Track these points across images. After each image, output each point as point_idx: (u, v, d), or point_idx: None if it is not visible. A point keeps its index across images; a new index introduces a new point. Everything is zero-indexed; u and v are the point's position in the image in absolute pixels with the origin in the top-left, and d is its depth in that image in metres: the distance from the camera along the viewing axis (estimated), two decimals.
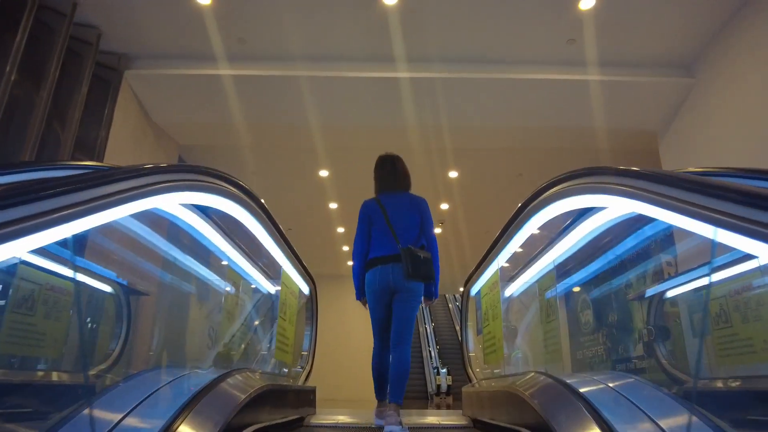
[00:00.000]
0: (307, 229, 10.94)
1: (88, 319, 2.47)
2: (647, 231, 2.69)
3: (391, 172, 3.12)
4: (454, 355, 18.42)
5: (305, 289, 4.02)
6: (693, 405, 1.66)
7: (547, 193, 2.14)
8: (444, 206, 9.61)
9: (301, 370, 4.03)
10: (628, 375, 2.47)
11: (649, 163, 7.44)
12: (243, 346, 2.90)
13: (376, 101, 5.95)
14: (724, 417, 1.52)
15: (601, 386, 2.07)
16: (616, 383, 2.09)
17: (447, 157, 7.63)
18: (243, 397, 1.98)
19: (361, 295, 2.96)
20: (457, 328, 20.91)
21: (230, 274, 2.64)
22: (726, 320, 2.88)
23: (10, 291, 2.07)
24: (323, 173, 8.21)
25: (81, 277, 2.26)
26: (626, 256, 2.80)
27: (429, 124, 6.30)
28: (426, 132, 6.50)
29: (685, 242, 2.69)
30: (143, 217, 2.28)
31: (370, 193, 3.35)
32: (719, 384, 2.63)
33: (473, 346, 4.27)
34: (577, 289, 3.00)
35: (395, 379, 2.66)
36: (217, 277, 2.66)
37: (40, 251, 2.03)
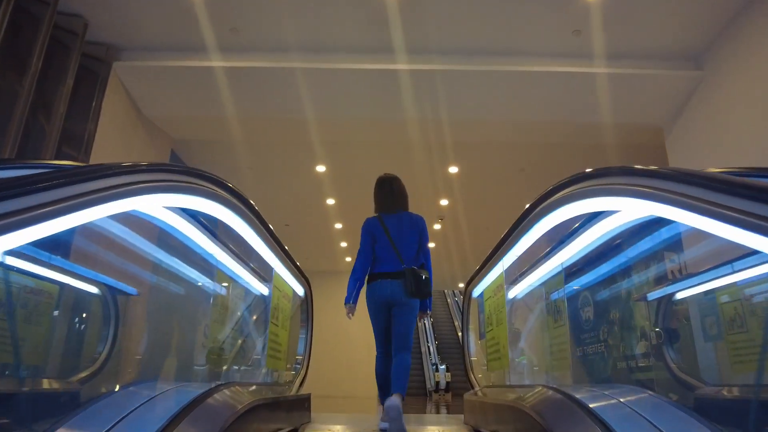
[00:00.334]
0: (304, 225, 10.77)
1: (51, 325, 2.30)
2: (665, 234, 2.52)
3: (389, 193, 3.30)
4: (453, 351, 18.33)
5: (300, 291, 3.85)
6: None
7: (561, 193, 1.96)
8: (444, 202, 9.44)
9: (295, 373, 3.85)
10: (642, 390, 2.31)
11: (655, 158, 7.27)
12: (232, 354, 2.74)
13: (374, 94, 5.76)
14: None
15: (613, 401, 1.93)
16: (629, 398, 1.94)
17: (447, 152, 7.44)
18: (230, 414, 1.82)
19: (350, 300, 3.12)
20: (456, 323, 20.81)
21: (218, 279, 2.46)
22: (741, 325, 2.74)
23: None
24: (320, 168, 8.02)
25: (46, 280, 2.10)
26: (643, 261, 2.64)
27: (429, 117, 6.10)
28: (426, 126, 6.31)
29: (704, 244, 2.53)
30: (121, 219, 2.14)
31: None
32: (734, 392, 2.49)
33: (475, 350, 4.10)
34: (588, 294, 2.83)
35: (397, 372, 2.89)
36: (204, 283, 2.49)
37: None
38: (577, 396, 1.97)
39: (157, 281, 2.47)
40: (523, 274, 2.90)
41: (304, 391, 3.90)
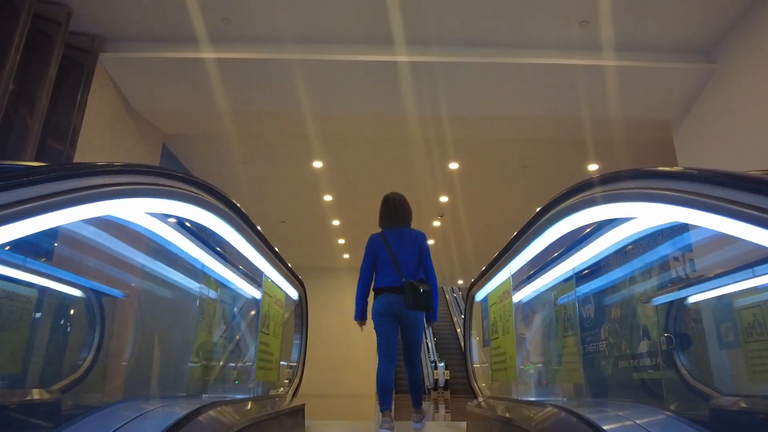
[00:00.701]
0: (301, 221, 10.58)
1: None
2: (686, 238, 2.33)
3: (393, 210, 3.51)
4: (452, 348, 18.18)
5: (294, 294, 3.65)
6: None
7: (578, 196, 1.75)
8: (443, 199, 9.24)
9: (289, 382, 3.66)
10: (660, 411, 2.13)
11: (664, 155, 7.07)
12: (219, 367, 2.54)
13: (372, 87, 5.54)
14: None
15: (629, 423, 1.77)
16: (646, 420, 1.78)
17: (447, 148, 7.23)
18: None
19: (359, 317, 3.46)
20: (455, 320, 20.65)
21: (203, 289, 2.26)
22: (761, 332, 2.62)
23: None
24: (317, 164, 7.80)
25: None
26: (661, 267, 2.44)
27: (429, 112, 5.89)
28: (425, 121, 6.10)
29: (726, 249, 2.35)
30: (96, 224, 1.97)
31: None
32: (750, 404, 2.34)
33: (478, 357, 3.91)
34: (601, 302, 2.64)
35: (412, 390, 3.36)
36: (187, 293, 2.29)
37: None
38: (592, 418, 1.79)
39: (133, 292, 2.27)
40: (532, 281, 2.70)
41: (299, 398, 3.71)
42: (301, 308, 3.79)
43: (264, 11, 4.81)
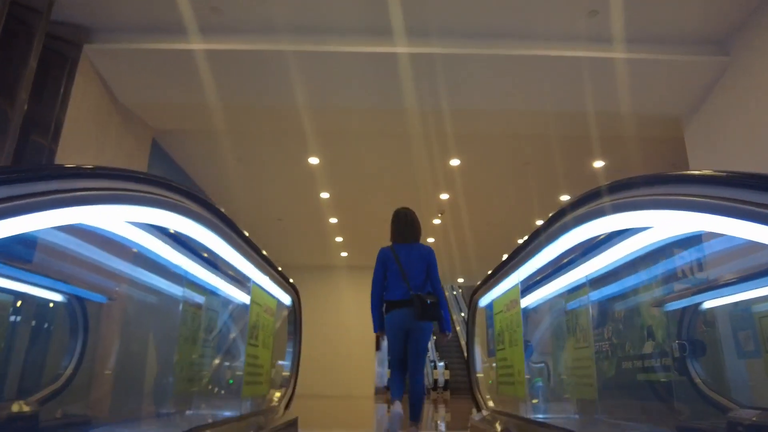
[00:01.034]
0: (298, 219, 10.36)
1: None
2: (711, 246, 2.11)
3: (404, 225, 3.74)
4: (451, 347, 18.00)
5: (286, 300, 3.43)
6: None
7: (599, 201, 1.53)
8: (444, 196, 9.01)
9: (282, 393, 3.44)
10: None
11: (673, 152, 6.86)
12: (202, 383, 2.32)
13: (371, 80, 5.30)
14: None
15: None
16: None
17: (448, 144, 7.00)
18: None
19: (378, 329, 3.52)
20: (455, 317, 20.48)
21: (186, 297, 2.04)
22: None
23: None
24: (313, 161, 7.57)
25: None
26: (683, 277, 2.22)
27: (429, 106, 5.65)
28: (426, 116, 5.86)
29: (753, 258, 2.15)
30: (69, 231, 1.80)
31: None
32: None
33: (482, 366, 3.69)
34: (616, 313, 2.42)
35: (413, 403, 3.38)
36: (166, 304, 2.07)
37: None
38: None
39: (110, 305, 2.06)
40: (544, 290, 2.48)
41: (294, 407, 3.50)
42: (294, 314, 3.57)
43: (256, 0, 4.57)
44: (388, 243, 3.76)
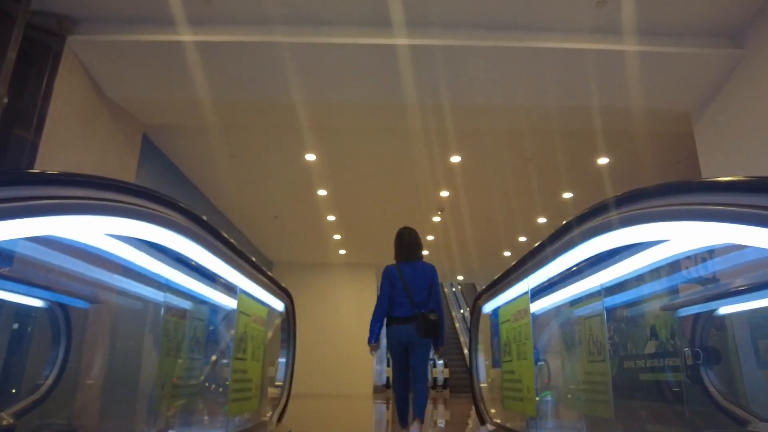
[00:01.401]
0: (295, 216, 10.16)
1: None
2: (742, 256, 1.93)
3: (407, 245, 3.96)
4: (450, 344, 17.83)
5: (279, 306, 3.23)
6: None
7: (632, 208, 1.33)
8: (444, 193, 8.81)
9: (275, 403, 3.24)
10: None
11: (680, 147, 6.67)
12: (185, 402, 2.12)
13: (369, 74, 5.09)
14: None
15: None
16: None
17: (449, 140, 6.80)
18: None
19: (372, 340, 3.67)
20: (454, 314, 20.34)
21: (162, 318, 1.85)
22: None
23: None
24: (310, 157, 7.36)
25: None
26: (710, 290, 2.03)
27: (430, 100, 5.44)
28: (426, 111, 5.65)
29: None
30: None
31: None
32: None
33: (485, 376, 3.50)
34: (636, 327, 2.23)
35: (417, 400, 3.52)
36: (143, 318, 1.88)
37: None
38: None
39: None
40: (556, 299, 2.28)
41: (288, 416, 3.31)
42: (288, 321, 3.38)
43: None
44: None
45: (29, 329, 2.29)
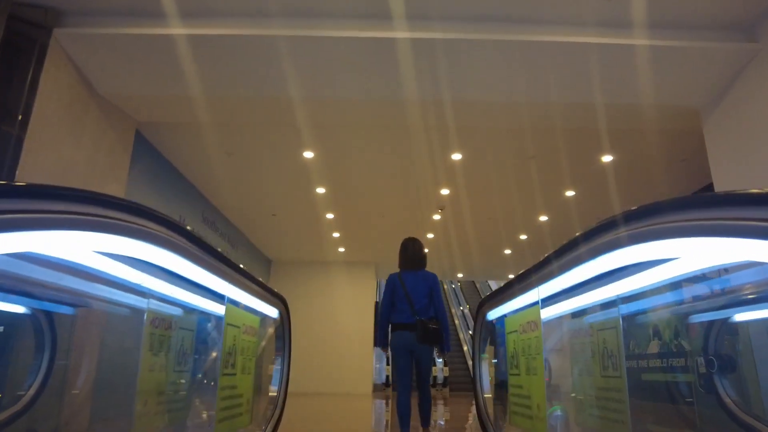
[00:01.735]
0: (292, 214, 10.00)
1: None
2: None
3: (411, 254, 4.11)
4: (450, 341, 17.71)
5: (273, 313, 3.07)
6: None
7: (670, 219, 1.16)
8: (444, 191, 8.64)
9: (268, 416, 3.09)
10: None
11: (688, 145, 6.52)
12: (166, 425, 1.97)
13: (368, 68, 4.91)
14: None
15: None
16: None
17: (450, 137, 6.63)
18: None
19: (380, 344, 3.99)
20: (454, 310, 20.24)
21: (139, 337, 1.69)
22: None
23: None
24: (308, 154, 7.19)
25: None
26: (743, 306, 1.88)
27: (430, 96, 5.26)
28: (427, 107, 5.48)
29: None
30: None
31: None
32: None
33: (490, 386, 3.34)
34: (662, 347, 2.07)
35: (422, 410, 3.80)
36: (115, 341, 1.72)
37: None
38: None
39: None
40: (572, 313, 2.12)
41: (283, 429, 3.15)
42: (282, 328, 3.22)
43: None
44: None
45: None
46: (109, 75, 4.95)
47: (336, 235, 11.43)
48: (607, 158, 7.30)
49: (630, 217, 1.33)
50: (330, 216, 10.03)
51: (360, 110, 5.66)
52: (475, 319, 3.52)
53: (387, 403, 10.75)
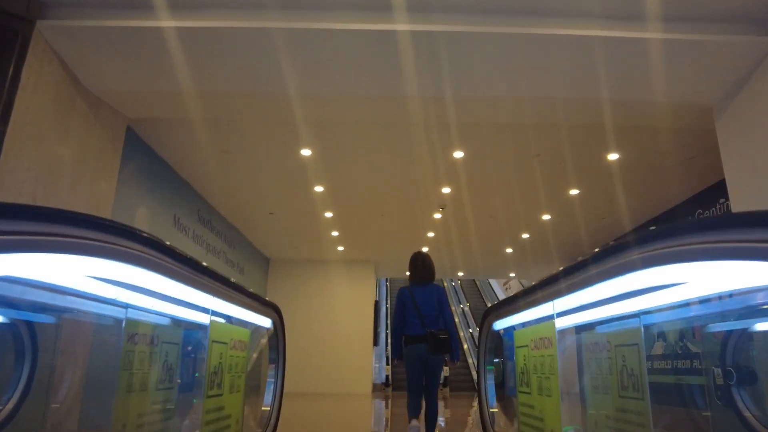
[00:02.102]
0: (290, 213, 9.81)
1: None
2: None
3: (420, 268, 4.33)
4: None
5: (265, 323, 2.88)
6: None
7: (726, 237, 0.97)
8: (446, 190, 8.45)
9: (266, 418, 2.90)
10: None
11: (698, 143, 6.33)
12: None
13: (367, 63, 4.70)
14: None
15: None
16: None
17: (452, 135, 6.43)
18: None
19: (397, 356, 4.18)
20: (453, 308, 20.13)
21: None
22: None
23: None
24: (305, 152, 6.99)
25: None
26: None
27: (431, 92, 5.05)
28: (427, 103, 5.27)
29: None
30: None
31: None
32: None
33: (495, 400, 3.15)
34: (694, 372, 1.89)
35: (428, 420, 3.98)
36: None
37: None
38: None
39: None
40: (587, 324, 1.93)
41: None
42: (276, 338, 3.03)
43: None
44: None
45: None
46: (97, 70, 4.74)
47: (335, 233, 11.24)
48: (613, 156, 7.11)
49: (685, 230, 1.13)
50: (329, 215, 9.84)
51: (359, 106, 5.45)
52: (480, 329, 3.33)
53: (387, 404, 10.59)
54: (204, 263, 1.75)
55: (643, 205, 9.19)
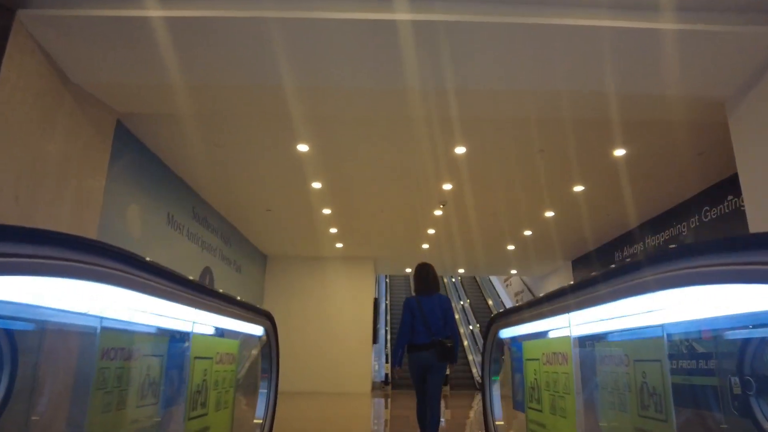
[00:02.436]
0: (288, 209, 9.62)
1: None
2: None
3: (425, 279, 4.49)
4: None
5: (257, 331, 2.70)
6: None
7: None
8: (447, 186, 8.26)
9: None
10: None
11: (708, 139, 6.14)
12: None
13: (366, 54, 4.50)
14: None
15: None
16: None
17: (453, 130, 6.23)
18: None
19: (397, 364, 4.29)
20: (454, 305, 19.97)
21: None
22: None
23: None
24: (302, 148, 6.79)
25: None
26: None
27: (432, 86, 4.85)
28: (428, 97, 5.07)
29: None
30: None
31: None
32: None
33: (501, 413, 2.97)
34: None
35: (431, 423, 4.11)
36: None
37: None
38: None
39: None
40: (601, 334, 1.75)
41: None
42: (269, 346, 2.85)
43: None
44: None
45: None
46: (84, 62, 4.53)
47: (333, 230, 11.06)
48: (619, 152, 6.92)
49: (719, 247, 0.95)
50: (327, 211, 9.66)
51: (357, 100, 5.25)
52: (484, 337, 3.15)
53: (387, 404, 10.44)
54: (185, 275, 1.57)
55: (649, 202, 9.02)
